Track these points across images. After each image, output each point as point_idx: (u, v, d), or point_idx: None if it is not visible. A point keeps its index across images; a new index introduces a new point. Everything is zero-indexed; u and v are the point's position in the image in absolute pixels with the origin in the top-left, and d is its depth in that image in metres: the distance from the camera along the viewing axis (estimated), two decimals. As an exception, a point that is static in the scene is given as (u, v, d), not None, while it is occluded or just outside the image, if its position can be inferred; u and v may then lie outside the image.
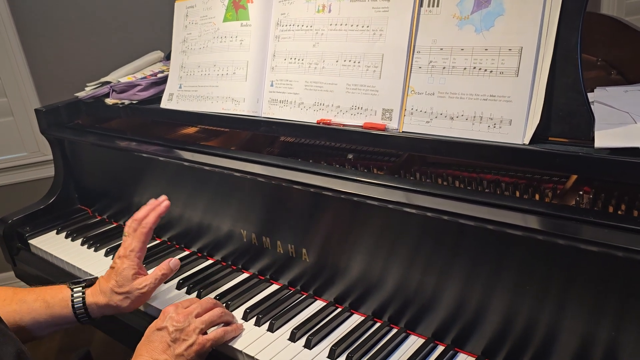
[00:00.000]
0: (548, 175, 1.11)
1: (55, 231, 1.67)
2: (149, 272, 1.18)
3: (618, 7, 3.00)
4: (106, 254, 1.47)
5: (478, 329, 0.95)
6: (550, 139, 0.93)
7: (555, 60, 0.92)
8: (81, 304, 1.13)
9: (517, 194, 1.10)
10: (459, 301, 0.96)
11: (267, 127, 1.30)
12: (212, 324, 1.05)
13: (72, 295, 1.13)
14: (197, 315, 1.04)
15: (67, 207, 1.78)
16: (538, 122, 0.92)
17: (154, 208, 1.21)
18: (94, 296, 1.14)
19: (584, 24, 0.89)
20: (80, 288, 1.15)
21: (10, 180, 2.80)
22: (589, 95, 0.91)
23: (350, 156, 1.38)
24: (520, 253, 0.87)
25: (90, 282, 1.17)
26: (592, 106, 0.90)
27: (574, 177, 1.06)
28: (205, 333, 1.03)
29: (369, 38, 1.14)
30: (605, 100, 1.04)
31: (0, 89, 2.64)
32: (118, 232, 1.59)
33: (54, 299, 1.13)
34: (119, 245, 1.48)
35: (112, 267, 1.16)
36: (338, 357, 1.00)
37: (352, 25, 1.17)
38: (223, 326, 1.07)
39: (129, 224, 1.20)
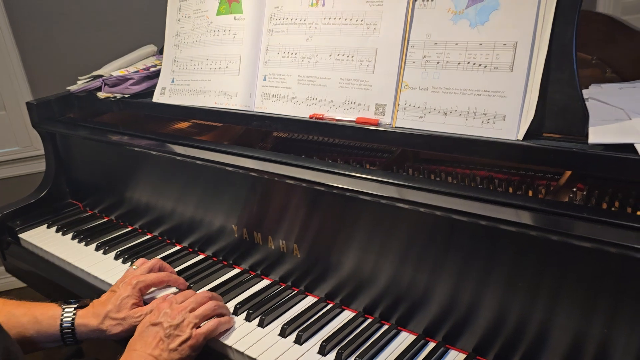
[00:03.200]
0: (541, 172, 1.10)
1: (46, 225, 1.65)
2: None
3: (614, 7, 2.99)
4: (96, 249, 1.46)
5: (469, 325, 0.94)
6: (544, 134, 0.92)
7: (550, 56, 0.91)
8: (70, 324, 1.11)
9: (510, 190, 1.10)
10: (451, 298, 0.95)
11: (259, 122, 1.29)
12: (206, 317, 1.05)
13: (62, 315, 1.11)
14: (192, 310, 1.04)
15: (58, 202, 1.77)
16: (532, 117, 0.92)
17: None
18: (84, 317, 1.11)
19: (579, 22, 0.89)
20: (72, 309, 1.13)
21: (2, 175, 2.78)
22: (584, 92, 0.90)
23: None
24: (513, 249, 0.86)
25: (83, 303, 1.15)
26: (586, 103, 0.90)
27: (568, 174, 1.05)
28: (199, 327, 1.03)
29: (362, 32, 1.13)
30: (599, 97, 1.03)
31: (-8, 83, 2.63)
32: (109, 227, 1.58)
33: (43, 316, 1.11)
34: (110, 239, 1.50)
35: (112, 291, 1.14)
36: (328, 353, 0.99)
37: (346, 19, 1.15)
38: (216, 317, 1.07)
39: (155, 263, 1.22)
